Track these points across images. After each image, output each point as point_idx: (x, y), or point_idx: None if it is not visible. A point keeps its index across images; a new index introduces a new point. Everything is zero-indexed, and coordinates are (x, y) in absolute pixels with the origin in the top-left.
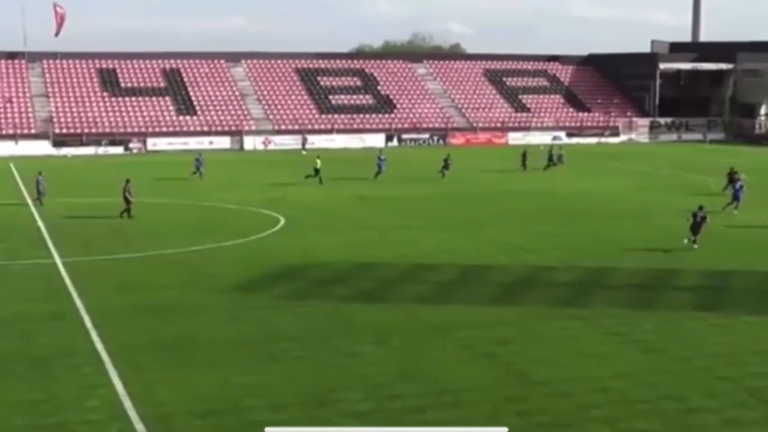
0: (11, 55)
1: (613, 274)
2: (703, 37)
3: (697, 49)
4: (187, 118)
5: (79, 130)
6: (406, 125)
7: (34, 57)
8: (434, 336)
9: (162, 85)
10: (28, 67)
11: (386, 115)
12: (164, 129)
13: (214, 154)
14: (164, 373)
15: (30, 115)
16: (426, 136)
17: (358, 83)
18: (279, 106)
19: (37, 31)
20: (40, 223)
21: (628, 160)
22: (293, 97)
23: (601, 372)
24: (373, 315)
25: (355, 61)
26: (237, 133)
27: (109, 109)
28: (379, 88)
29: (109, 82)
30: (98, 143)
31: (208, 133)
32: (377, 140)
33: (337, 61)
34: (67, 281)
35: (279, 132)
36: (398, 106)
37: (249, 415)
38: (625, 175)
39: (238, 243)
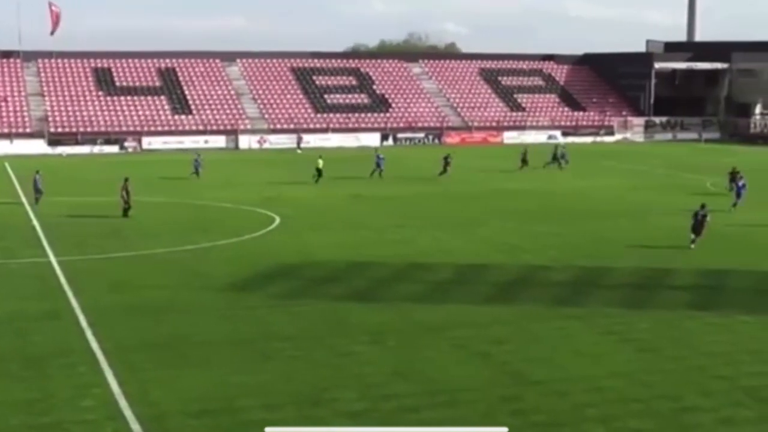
0: (6, 54)
1: (608, 273)
2: (698, 36)
3: (692, 49)
4: (183, 117)
5: (74, 129)
6: (401, 124)
7: (29, 56)
8: (429, 335)
9: (157, 84)
10: (23, 66)
11: (382, 115)
12: (159, 128)
13: (209, 153)
14: (159, 373)
15: (25, 114)
16: (421, 135)
17: (354, 82)
18: (274, 106)
19: (32, 30)
20: (35, 222)
21: (624, 160)
22: (288, 96)
23: (597, 371)
24: (368, 314)
25: (351, 61)
26: (232, 133)
27: (105, 108)
28: (374, 87)
29: (104, 81)
30: (93, 142)
31: (204, 132)
32: (373, 139)
33: (333, 61)
34: (62, 280)
35: (274, 131)
36: (394, 105)
37: (244, 415)
38: (621, 174)
39: (232, 242)
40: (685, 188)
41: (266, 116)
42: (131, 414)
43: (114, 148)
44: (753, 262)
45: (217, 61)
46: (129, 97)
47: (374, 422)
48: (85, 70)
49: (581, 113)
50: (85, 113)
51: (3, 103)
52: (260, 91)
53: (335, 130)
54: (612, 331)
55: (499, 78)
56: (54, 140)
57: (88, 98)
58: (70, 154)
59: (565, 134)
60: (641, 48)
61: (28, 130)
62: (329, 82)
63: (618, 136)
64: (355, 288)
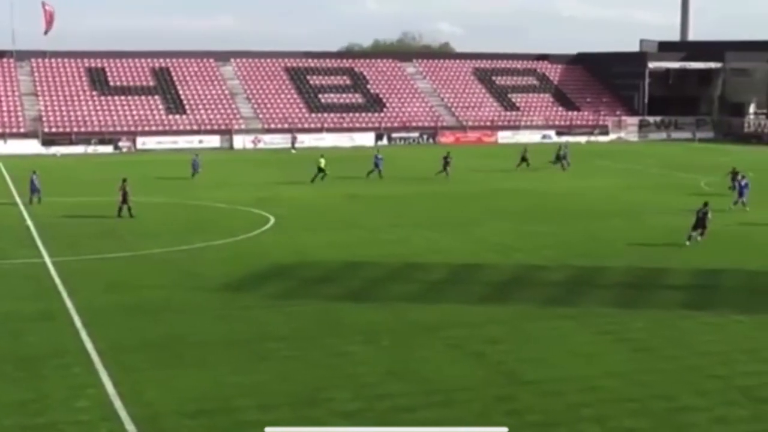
0: None
1: (603, 273)
2: (692, 36)
3: (685, 49)
4: (177, 117)
5: (68, 129)
6: (395, 124)
7: (23, 56)
8: (424, 335)
9: (151, 84)
10: (17, 66)
11: (376, 114)
12: (153, 128)
13: (203, 153)
14: (154, 373)
15: (19, 114)
16: (416, 134)
17: (348, 82)
18: (268, 105)
19: (25, 30)
20: (29, 223)
21: (618, 159)
22: (283, 96)
23: (591, 371)
24: (362, 314)
25: (345, 60)
26: (226, 132)
27: (99, 108)
28: (368, 87)
29: (98, 81)
30: (87, 142)
31: (198, 132)
32: (367, 139)
33: (327, 60)
34: (57, 281)
35: (268, 131)
36: (388, 105)
37: (239, 415)
38: (615, 173)
39: (227, 242)
40: (679, 188)
41: (260, 116)
42: (126, 414)
43: (108, 148)
44: (748, 261)
45: (211, 60)
46: (123, 97)
47: (369, 422)
48: (79, 69)
49: (575, 113)
50: (79, 113)
51: None
52: (254, 91)
53: (329, 130)
54: (607, 331)
55: (493, 78)
56: (48, 140)
57: (82, 98)
58: (64, 154)
59: (559, 134)
60: (635, 48)
61: (21, 130)
62: (323, 82)
63: (612, 136)
64: (350, 288)
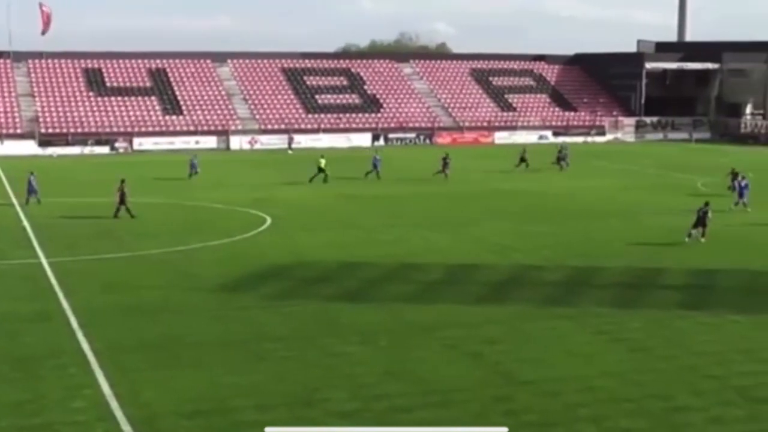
0: None
1: (600, 273)
2: (689, 37)
3: (683, 49)
4: (173, 117)
5: (64, 130)
6: (392, 125)
7: (20, 56)
8: (421, 335)
9: (148, 84)
10: (14, 67)
11: (373, 115)
12: (150, 129)
13: (200, 153)
14: (151, 374)
15: (15, 114)
16: (412, 135)
17: (345, 83)
18: (265, 106)
19: (22, 31)
20: (25, 223)
21: (615, 160)
22: (279, 96)
23: (588, 371)
24: (359, 314)
25: (342, 61)
26: (223, 133)
27: (95, 108)
28: (365, 87)
29: (94, 81)
30: (84, 143)
31: (195, 133)
32: (364, 140)
33: (324, 61)
34: (53, 281)
35: (265, 132)
36: (384, 105)
37: (236, 416)
38: (612, 174)
39: (224, 243)
40: (676, 188)
41: (257, 117)
42: (122, 415)
43: (105, 149)
44: (745, 261)
45: (208, 61)
46: (120, 98)
47: (366, 422)
48: (76, 70)
49: (572, 113)
50: (75, 114)
51: None
52: (251, 92)
53: (326, 131)
54: (604, 331)
55: (490, 78)
56: (45, 141)
57: (78, 99)
58: (61, 154)
59: (556, 134)
60: (632, 48)
61: (18, 131)
62: (320, 83)
63: (609, 136)
64: (347, 288)
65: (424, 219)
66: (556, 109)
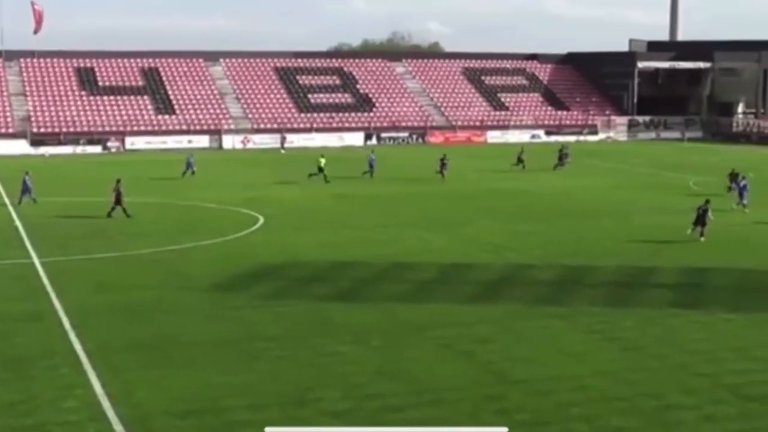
0: None
1: (592, 272)
2: (681, 36)
3: (674, 48)
4: (166, 117)
5: (56, 130)
6: (385, 124)
7: (11, 55)
8: (413, 335)
9: (140, 84)
10: (5, 66)
11: (365, 114)
12: (143, 128)
13: (196, 152)
14: (143, 374)
15: (7, 114)
16: (405, 134)
17: (337, 82)
18: (258, 105)
19: (14, 29)
20: (17, 223)
21: (607, 159)
22: (272, 96)
23: (580, 370)
24: (352, 314)
25: (334, 60)
26: (216, 132)
27: (87, 108)
28: (358, 86)
29: (87, 81)
30: (76, 142)
31: (187, 132)
32: (356, 139)
33: (316, 60)
34: (45, 281)
35: (258, 131)
36: (377, 104)
37: (229, 415)
38: (604, 173)
39: (217, 242)
40: (668, 187)
41: (250, 116)
42: (114, 415)
43: (97, 149)
44: (736, 259)
45: (201, 60)
46: (112, 97)
47: (359, 422)
48: (68, 69)
49: (565, 112)
50: (67, 113)
51: None
52: (244, 91)
53: (319, 130)
54: (596, 330)
55: (483, 77)
56: (37, 140)
57: (70, 98)
58: (53, 154)
59: (548, 133)
60: (624, 47)
61: (10, 130)
62: (313, 82)
63: (601, 135)
64: (340, 288)
65: (417, 218)
66: (549, 108)
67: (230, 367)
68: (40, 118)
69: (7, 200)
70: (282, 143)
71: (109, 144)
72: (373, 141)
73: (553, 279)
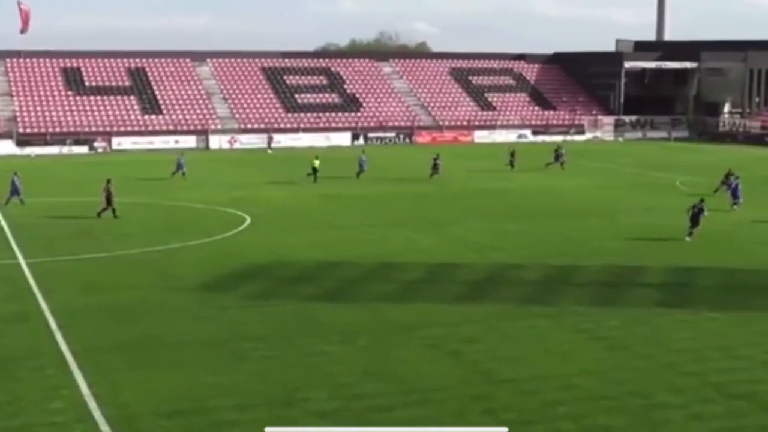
0: None
1: (578, 271)
2: (668, 36)
3: (661, 48)
4: (153, 117)
5: (43, 130)
6: (372, 124)
7: None
8: (400, 335)
9: (127, 84)
10: None
11: (352, 114)
12: (129, 128)
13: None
14: (130, 374)
15: None
16: (392, 134)
17: (324, 82)
18: (245, 105)
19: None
20: (3, 224)
21: (594, 158)
22: (259, 96)
23: (567, 369)
24: (339, 314)
25: (321, 60)
26: (203, 132)
27: (74, 108)
28: (345, 86)
29: (73, 81)
30: (63, 143)
31: (174, 132)
32: (343, 139)
33: (303, 60)
34: (31, 282)
35: (245, 131)
36: (364, 104)
37: (216, 415)
38: (591, 173)
39: (204, 242)
40: (654, 187)
41: (237, 116)
42: (101, 415)
43: (83, 149)
44: (722, 259)
45: (187, 60)
46: (98, 97)
47: (346, 422)
48: (54, 69)
49: (552, 112)
50: (54, 113)
51: None
52: (231, 91)
53: (306, 130)
54: (582, 329)
55: (470, 77)
56: (23, 141)
57: (57, 98)
58: (39, 154)
59: (535, 133)
60: (611, 47)
61: None
62: (300, 82)
63: (588, 135)
64: (327, 288)
65: (404, 218)
66: (536, 108)
67: (217, 368)
68: (27, 119)
69: None
70: (269, 143)
71: (95, 144)
72: (360, 141)
73: (539, 279)
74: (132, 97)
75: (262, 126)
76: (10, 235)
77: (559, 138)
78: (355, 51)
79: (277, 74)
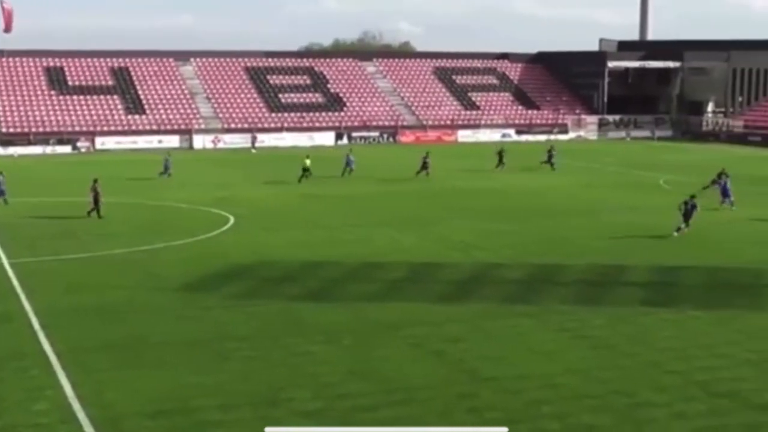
0: None
1: (562, 270)
2: (651, 35)
3: (644, 48)
4: (136, 117)
5: (26, 129)
6: (355, 123)
7: None
8: (384, 334)
9: (110, 83)
10: None
11: (336, 113)
12: (113, 128)
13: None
14: (114, 374)
15: None
16: (376, 134)
17: (308, 81)
18: (228, 105)
19: None
20: None
21: (577, 158)
22: (243, 95)
23: (551, 368)
24: (323, 314)
25: (305, 60)
26: (186, 132)
27: (57, 107)
28: (328, 86)
29: (56, 80)
30: (46, 142)
31: (157, 132)
32: (327, 139)
33: (287, 60)
34: (15, 282)
35: (228, 131)
36: (348, 104)
37: (199, 415)
38: (574, 172)
39: (187, 242)
40: (638, 186)
41: (220, 116)
42: (85, 416)
43: (67, 149)
44: (706, 257)
45: (171, 60)
46: (82, 97)
47: (330, 421)
48: (37, 69)
49: (535, 111)
50: (37, 113)
51: None
52: (214, 91)
53: (289, 130)
54: (566, 328)
55: (453, 77)
56: (6, 141)
57: (40, 98)
58: (22, 154)
59: (519, 132)
60: (594, 47)
61: None
62: (283, 82)
63: (572, 135)
64: (310, 287)
65: (388, 218)
66: (519, 107)
67: (201, 368)
68: (9, 118)
69: None
70: (253, 143)
71: (78, 144)
72: (344, 140)
73: (523, 278)
74: (115, 97)
75: (246, 126)
76: None
77: (542, 137)
78: (339, 51)
79: (260, 74)
